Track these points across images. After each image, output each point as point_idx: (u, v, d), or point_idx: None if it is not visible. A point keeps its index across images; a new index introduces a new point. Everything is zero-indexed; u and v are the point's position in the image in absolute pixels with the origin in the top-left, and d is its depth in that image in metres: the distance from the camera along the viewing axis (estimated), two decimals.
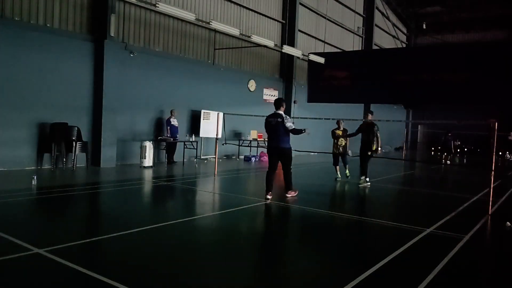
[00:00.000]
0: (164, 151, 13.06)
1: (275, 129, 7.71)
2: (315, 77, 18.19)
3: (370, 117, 10.22)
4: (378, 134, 9.87)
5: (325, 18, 21.53)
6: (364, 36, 25.79)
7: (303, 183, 10.91)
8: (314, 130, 21.00)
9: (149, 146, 11.77)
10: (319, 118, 15.80)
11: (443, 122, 25.00)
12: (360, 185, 9.87)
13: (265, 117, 8.08)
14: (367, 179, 9.98)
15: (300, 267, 4.33)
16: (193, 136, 13.64)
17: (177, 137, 12.97)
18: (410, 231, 5.80)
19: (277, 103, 7.92)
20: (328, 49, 21.42)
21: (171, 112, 13.05)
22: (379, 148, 9.96)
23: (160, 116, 13.41)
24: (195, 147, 13.65)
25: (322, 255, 4.74)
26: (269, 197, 7.56)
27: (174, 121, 13.03)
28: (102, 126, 11.31)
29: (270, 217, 6.74)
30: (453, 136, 21.26)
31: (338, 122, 11.26)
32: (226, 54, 16.13)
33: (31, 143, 10.24)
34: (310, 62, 17.74)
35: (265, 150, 17.17)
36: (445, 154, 20.56)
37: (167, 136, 12.77)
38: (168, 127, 12.92)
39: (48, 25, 10.44)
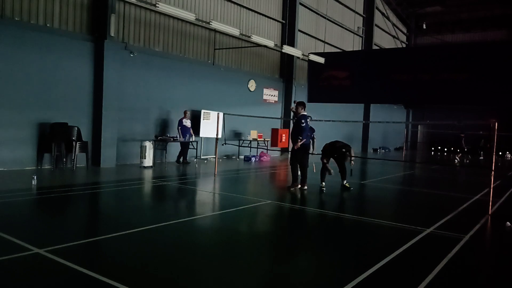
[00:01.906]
0: (164, 151, 13.05)
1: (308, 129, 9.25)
2: (315, 77, 18.20)
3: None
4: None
5: (325, 18, 21.53)
6: (364, 36, 25.80)
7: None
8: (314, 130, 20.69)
9: (149, 146, 11.78)
10: (319, 120, 15.83)
11: (443, 122, 25.07)
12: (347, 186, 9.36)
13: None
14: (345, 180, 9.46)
15: (300, 267, 4.33)
16: (193, 136, 13.64)
17: (186, 137, 13.03)
18: (410, 231, 5.81)
19: (304, 105, 9.27)
20: (328, 49, 21.42)
21: (184, 113, 13.18)
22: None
23: (159, 116, 13.41)
24: (195, 147, 13.65)
25: (322, 255, 4.74)
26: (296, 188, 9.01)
27: (186, 122, 13.13)
28: (102, 126, 11.31)
29: (270, 217, 6.74)
30: (466, 137, 21.90)
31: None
32: (226, 54, 16.13)
33: (31, 143, 10.24)
34: (310, 62, 17.76)
35: (265, 150, 17.20)
36: (458, 154, 21.18)
37: (176, 137, 12.82)
38: (179, 127, 12.98)
39: (48, 25, 10.44)
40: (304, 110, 9.18)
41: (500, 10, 28.15)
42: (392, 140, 30.00)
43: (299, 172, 9.15)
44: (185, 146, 13.23)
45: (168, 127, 13.63)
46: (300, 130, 8.98)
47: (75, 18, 11.03)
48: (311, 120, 9.42)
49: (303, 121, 8.95)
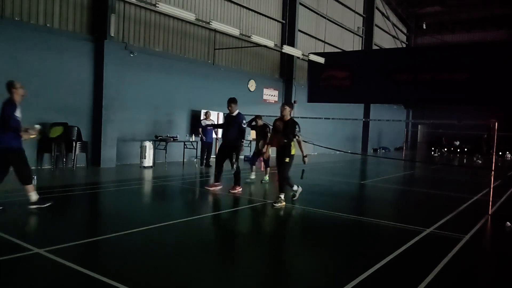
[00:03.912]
0: (165, 151, 13.06)
1: None
2: (315, 77, 18.19)
3: (289, 111, 7.47)
4: (300, 137, 7.40)
5: (325, 18, 21.52)
6: (364, 36, 25.80)
7: (302, 183, 10.89)
8: (314, 130, 21.00)
9: (149, 146, 11.78)
10: (319, 118, 15.85)
11: (443, 122, 25.05)
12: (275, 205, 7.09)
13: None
14: (282, 196, 7.20)
15: (300, 267, 4.33)
16: (193, 136, 13.64)
17: (207, 138, 12.98)
18: (410, 231, 5.80)
19: (236, 102, 8.58)
20: (328, 49, 21.42)
21: (206, 114, 13.10)
22: (306, 157, 7.42)
23: (160, 116, 13.40)
24: (195, 147, 13.64)
25: (322, 255, 4.74)
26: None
27: (206, 123, 13.11)
28: (102, 126, 11.31)
29: (270, 217, 6.74)
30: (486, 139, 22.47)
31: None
32: (226, 54, 16.13)
33: (31, 143, 10.22)
34: (310, 62, 17.75)
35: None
36: (477, 155, 21.69)
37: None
38: (200, 129, 12.91)
39: (48, 25, 10.44)
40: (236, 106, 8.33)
41: (500, 10, 28.13)
42: (392, 140, 30.01)
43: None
44: (206, 148, 13.07)
45: (169, 127, 13.63)
46: (243, 132, 8.25)
47: (75, 18, 11.03)
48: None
49: (244, 122, 8.24)
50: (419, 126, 33.38)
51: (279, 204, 7.04)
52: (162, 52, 13.41)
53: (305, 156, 7.35)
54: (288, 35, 18.87)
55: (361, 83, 16.83)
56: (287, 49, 15.45)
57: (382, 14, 27.79)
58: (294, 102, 19.21)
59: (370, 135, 26.15)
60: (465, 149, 27.65)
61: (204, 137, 12.80)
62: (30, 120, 10.07)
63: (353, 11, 24.56)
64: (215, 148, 13.58)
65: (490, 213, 7.12)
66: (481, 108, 22.94)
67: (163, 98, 13.41)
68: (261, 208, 7.13)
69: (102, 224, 5.89)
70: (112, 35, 11.41)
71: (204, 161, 12.97)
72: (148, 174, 10.59)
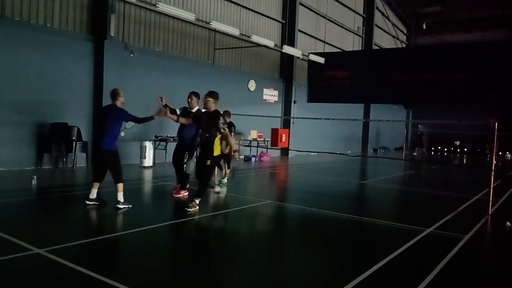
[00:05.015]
0: (165, 151, 13.05)
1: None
2: (315, 77, 18.21)
3: (213, 103, 6.92)
4: (226, 129, 6.47)
5: (325, 18, 21.52)
6: (364, 36, 25.79)
7: (303, 183, 10.92)
8: (314, 130, 20.91)
9: (149, 146, 11.79)
10: (319, 118, 15.85)
11: (443, 122, 25.06)
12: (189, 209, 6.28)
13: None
14: (197, 201, 6.44)
15: (300, 267, 4.32)
16: None
17: None
18: (410, 231, 5.81)
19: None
20: (328, 49, 21.42)
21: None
22: (235, 153, 6.28)
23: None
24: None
25: (322, 255, 4.74)
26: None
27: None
28: None
29: (270, 217, 6.74)
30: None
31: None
32: (226, 54, 16.13)
33: (31, 143, 10.24)
34: (310, 62, 17.76)
35: (265, 150, 17.16)
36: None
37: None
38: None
39: (48, 25, 10.44)
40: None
41: (500, 10, 28.13)
42: (392, 140, 30.01)
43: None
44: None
45: (168, 127, 13.61)
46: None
47: (75, 18, 11.03)
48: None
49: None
50: (419, 126, 33.37)
51: (192, 209, 6.22)
52: (162, 52, 13.41)
53: (236, 151, 6.25)
54: (288, 35, 18.87)
55: (361, 83, 16.83)
56: (287, 49, 15.45)
57: (382, 14, 27.78)
58: (294, 102, 19.22)
59: (370, 135, 26.14)
60: (465, 149, 27.68)
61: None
62: (30, 120, 10.11)
63: (353, 11, 24.56)
64: None
65: (490, 213, 7.12)
66: (481, 108, 22.94)
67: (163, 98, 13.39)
68: (261, 208, 7.13)
69: (102, 224, 5.89)
70: (112, 35, 11.41)
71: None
72: (148, 174, 10.59)
